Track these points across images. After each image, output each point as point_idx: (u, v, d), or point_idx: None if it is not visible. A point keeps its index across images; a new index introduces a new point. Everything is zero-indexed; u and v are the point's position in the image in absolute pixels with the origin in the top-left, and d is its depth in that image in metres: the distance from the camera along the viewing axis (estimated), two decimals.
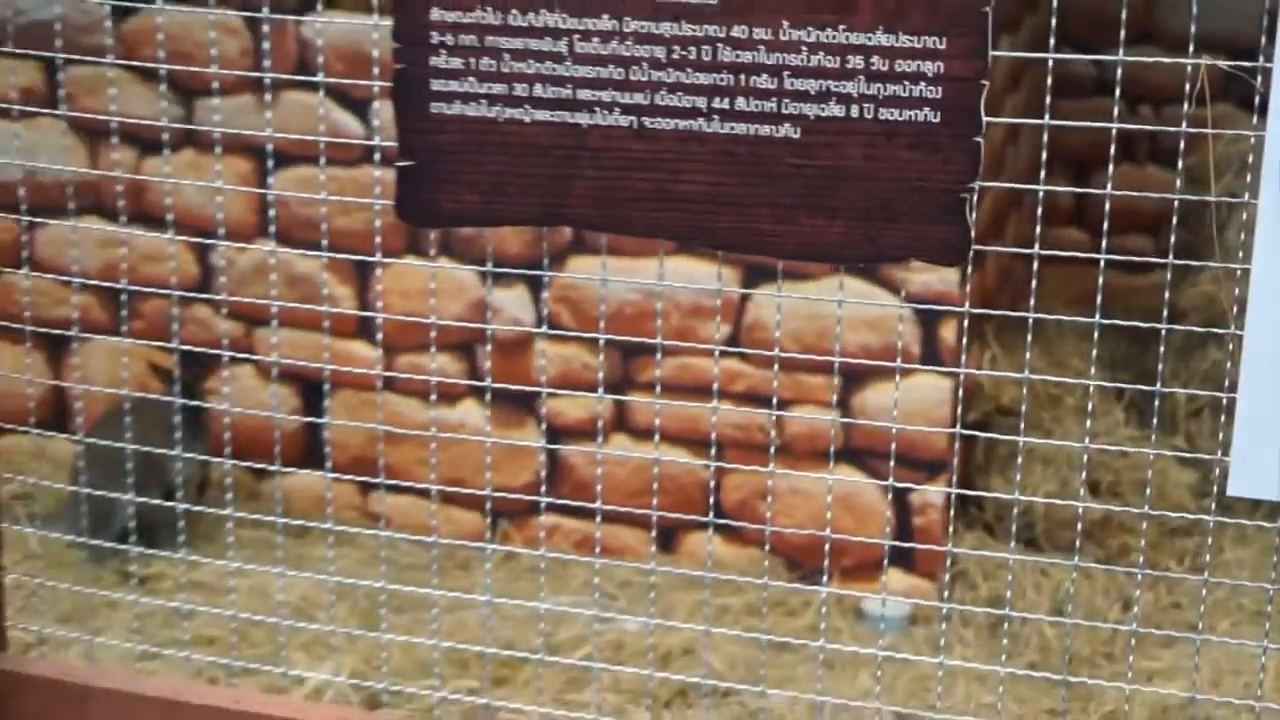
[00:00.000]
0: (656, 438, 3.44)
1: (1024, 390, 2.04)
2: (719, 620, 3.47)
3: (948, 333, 3.63)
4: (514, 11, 1.65)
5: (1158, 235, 4.71)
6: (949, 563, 3.67)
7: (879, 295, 3.62)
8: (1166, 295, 1.98)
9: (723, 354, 3.70)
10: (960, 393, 1.97)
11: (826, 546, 2.11)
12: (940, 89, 1.54)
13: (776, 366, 2.23)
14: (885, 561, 3.65)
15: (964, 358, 1.97)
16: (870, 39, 1.55)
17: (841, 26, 1.55)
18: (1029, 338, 1.91)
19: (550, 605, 3.45)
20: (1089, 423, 2.09)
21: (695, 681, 3.16)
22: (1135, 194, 1.79)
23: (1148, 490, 2.21)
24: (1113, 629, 3.36)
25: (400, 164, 1.71)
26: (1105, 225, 1.72)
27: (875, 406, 3.65)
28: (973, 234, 1.53)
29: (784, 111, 1.59)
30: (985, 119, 1.54)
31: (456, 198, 1.71)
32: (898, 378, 2.24)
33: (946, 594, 3.63)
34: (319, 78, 2.30)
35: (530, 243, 3.80)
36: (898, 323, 3.34)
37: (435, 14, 1.68)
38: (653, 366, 3.77)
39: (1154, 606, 3.57)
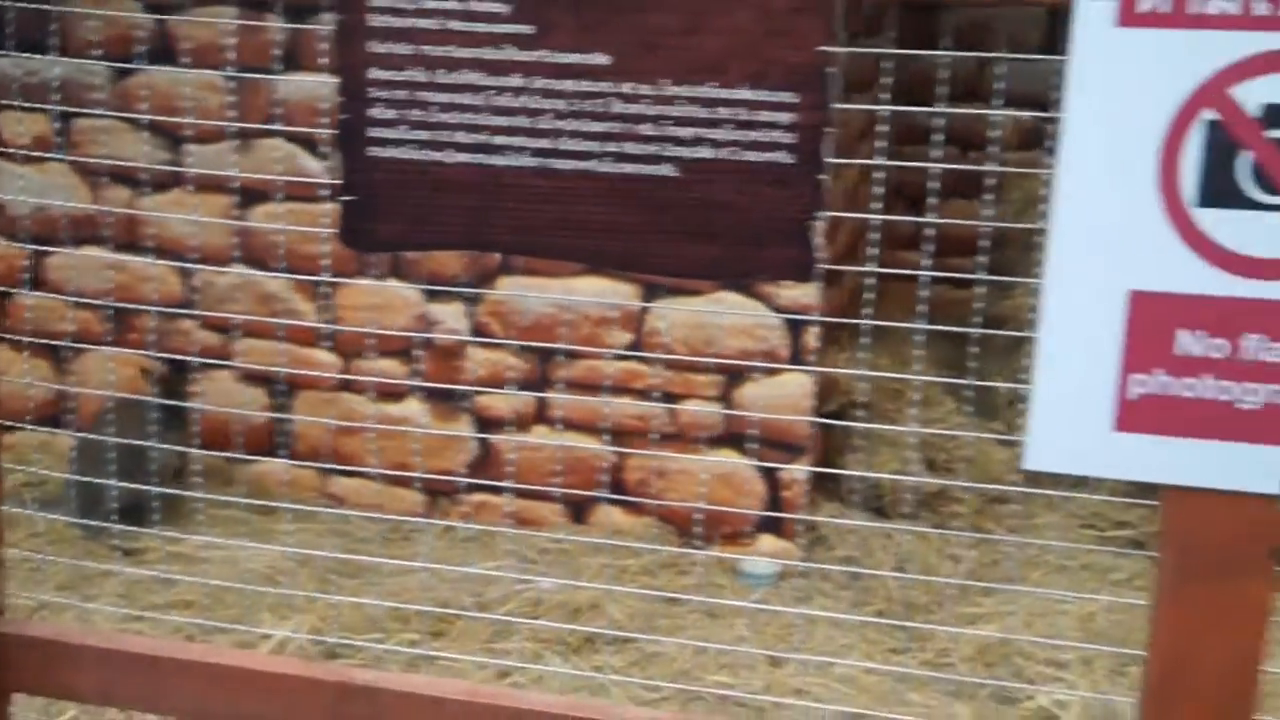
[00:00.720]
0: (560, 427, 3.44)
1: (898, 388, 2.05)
2: (620, 579, 3.46)
3: (810, 339, 3.64)
4: (440, 71, 1.64)
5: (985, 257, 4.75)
6: (811, 529, 3.69)
7: (754, 308, 3.63)
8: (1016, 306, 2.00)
9: (624, 357, 3.70)
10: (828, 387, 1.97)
11: (702, 516, 2.11)
12: (793, 136, 1.54)
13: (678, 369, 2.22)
14: (758, 528, 3.68)
15: (842, 358, 1.98)
16: (736, 94, 1.55)
17: (712, 84, 1.56)
18: (863, 340, 1.92)
19: (478, 570, 3.44)
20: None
21: (601, 632, 3.16)
22: (962, 222, 1.81)
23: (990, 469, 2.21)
24: (944, 582, 3.39)
25: (343, 199, 1.70)
26: (933, 248, 1.74)
27: (751, 399, 3.66)
28: (816, 256, 1.54)
29: (665, 154, 1.58)
30: (830, 160, 1.55)
31: (390, 227, 1.69)
32: (793, 378, 2.24)
33: (809, 555, 3.65)
34: (282, 126, 2.28)
35: (466, 265, 3.78)
36: (770, 330, 3.35)
37: (373, 73, 1.66)
38: (567, 368, 3.75)
39: (978, 563, 3.60)
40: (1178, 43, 1.39)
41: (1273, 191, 1.40)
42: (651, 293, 3.67)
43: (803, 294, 3.61)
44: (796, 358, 3.64)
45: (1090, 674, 3.05)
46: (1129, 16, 1.40)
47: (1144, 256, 1.44)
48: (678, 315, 3.64)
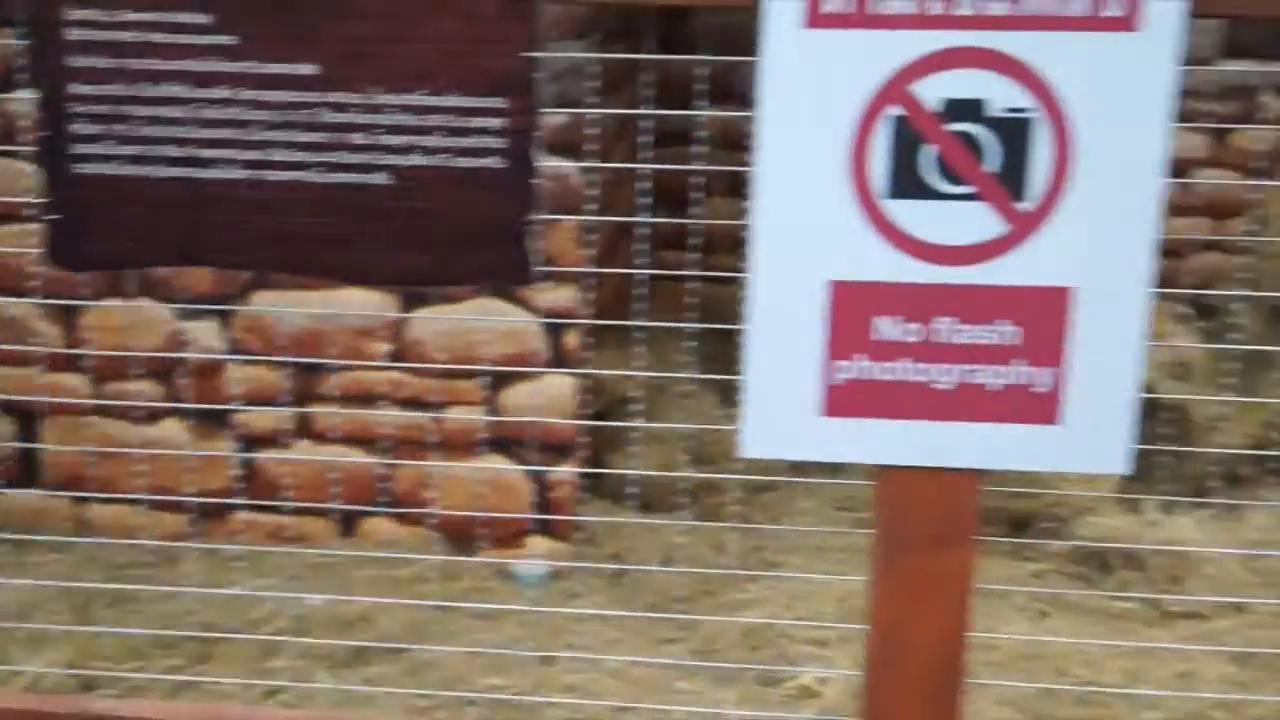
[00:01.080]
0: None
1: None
2: (392, 590, 3.42)
3: (571, 340, 3.66)
4: (144, 83, 1.60)
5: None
6: (581, 528, 3.71)
7: (514, 312, 3.63)
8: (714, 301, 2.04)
9: (387, 367, 3.66)
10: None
11: (470, 521, 2.10)
12: (503, 140, 1.55)
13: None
14: (529, 530, 3.69)
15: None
16: (446, 101, 1.55)
17: (421, 91, 1.55)
18: (587, 339, 1.94)
19: (244, 590, 3.36)
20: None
21: (371, 644, 3.12)
22: (671, 220, 1.84)
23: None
24: (708, 573, 3.45)
25: (48, 218, 1.64)
26: (647, 246, 1.76)
27: (516, 404, 3.66)
28: (533, 259, 1.55)
29: (377, 163, 1.57)
30: (541, 163, 1.56)
31: (99, 245, 1.64)
32: (556, 380, 2.25)
33: (580, 554, 3.67)
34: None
35: (218, 281, 3.68)
36: (531, 334, 3.36)
37: (73, 88, 1.61)
38: (328, 381, 3.69)
39: (744, 552, 3.68)
40: (861, 42, 1.45)
41: (955, 181, 1.47)
42: (411, 302, 3.64)
43: (563, 298, 3.63)
44: (559, 360, 3.66)
45: (849, 651, 3.15)
46: (815, 18, 1.45)
47: (841, 248, 1.50)
48: (438, 323, 3.62)
